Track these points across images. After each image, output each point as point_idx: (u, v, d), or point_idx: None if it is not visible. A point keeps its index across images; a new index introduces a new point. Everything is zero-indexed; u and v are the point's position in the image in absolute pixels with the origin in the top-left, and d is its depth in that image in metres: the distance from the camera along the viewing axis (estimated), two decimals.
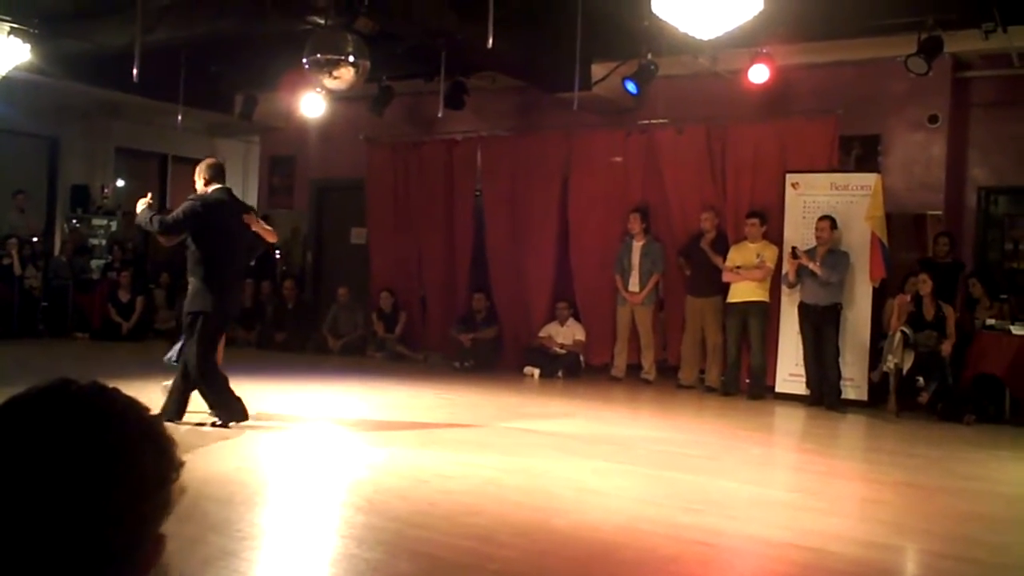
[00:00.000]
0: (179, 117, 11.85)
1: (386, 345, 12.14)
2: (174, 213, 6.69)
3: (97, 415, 0.98)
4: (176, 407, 6.65)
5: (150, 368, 9.78)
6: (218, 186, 6.84)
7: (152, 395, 7.66)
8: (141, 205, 6.78)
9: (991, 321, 8.87)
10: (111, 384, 1.05)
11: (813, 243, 9.21)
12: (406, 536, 4.34)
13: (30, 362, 10.06)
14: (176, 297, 13.57)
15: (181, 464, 1.04)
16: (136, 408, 1.03)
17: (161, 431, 1.03)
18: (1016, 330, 8.58)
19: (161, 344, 12.63)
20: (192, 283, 6.72)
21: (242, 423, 6.66)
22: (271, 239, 7.31)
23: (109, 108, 13.98)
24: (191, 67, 11.48)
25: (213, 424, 6.70)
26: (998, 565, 4.37)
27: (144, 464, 0.99)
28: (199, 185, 6.84)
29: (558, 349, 10.96)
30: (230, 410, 6.68)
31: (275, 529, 4.62)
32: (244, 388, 8.87)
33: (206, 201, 6.71)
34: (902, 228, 9.80)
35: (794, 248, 9.17)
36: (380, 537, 4.30)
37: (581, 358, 11.03)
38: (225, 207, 6.80)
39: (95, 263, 14.32)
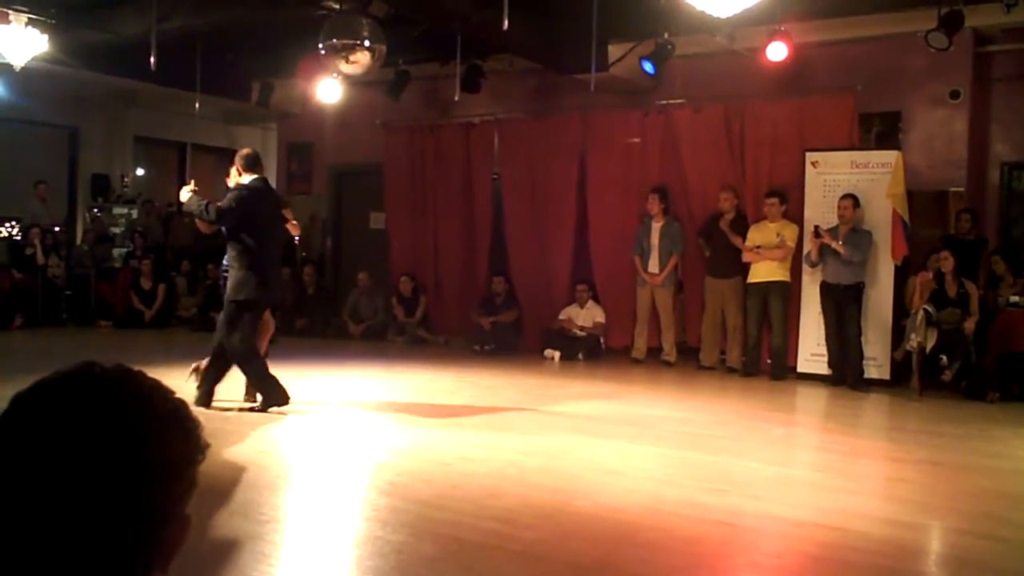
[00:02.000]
0: (196, 105, 11.88)
1: (407, 329, 12.17)
2: (227, 201, 6.71)
3: (123, 397, 0.99)
4: (206, 394, 6.77)
5: (174, 354, 9.86)
6: (255, 175, 6.90)
7: (176, 380, 7.73)
8: (186, 193, 6.83)
9: (1015, 298, 8.80)
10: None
11: (834, 222, 9.15)
12: (429, 518, 4.36)
13: (55, 350, 10.16)
14: (197, 284, 13.67)
15: (206, 446, 1.05)
16: (161, 390, 1.03)
17: (187, 413, 1.04)
18: None
19: (183, 331, 12.78)
20: (235, 271, 6.73)
21: (282, 407, 6.73)
22: (295, 232, 7.50)
23: (127, 97, 14.04)
24: (207, 55, 11.51)
25: (252, 409, 6.81)
26: (1023, 542, 4.35)
27: (170, 445, 1.00)
28: (235, 175, 6.87)
29: (578, 331, 10.95)
30: (274, 394, 6.76)
31: (299, 512, 4.65)
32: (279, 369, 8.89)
33: (252, 188, 6.79)
34: (924, 205, 9.71)
35: (816, 227, 9.11)
36: (403, 519, 4.32)
37: (601, 340, 11.02)
38: (266, 195, 6.94)
39: (117, 251, 14.44)
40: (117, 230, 14.86)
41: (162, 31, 8.95)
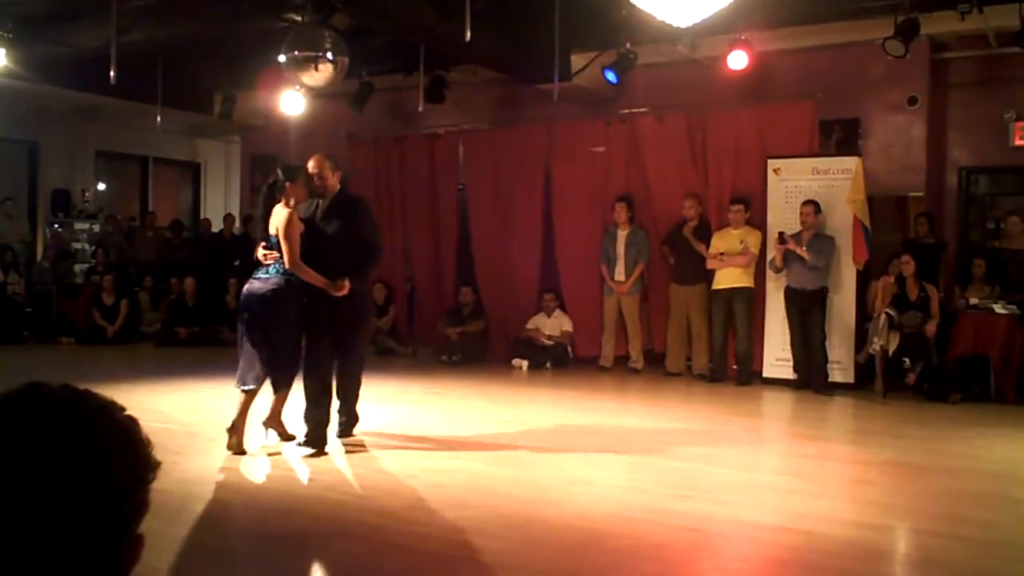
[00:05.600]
0: (158, 118, 11.78)
1: (375, 339, 12.11)
2: (373, 231, 6.19)
3: (68, 419, 0.97)
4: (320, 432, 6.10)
5: (137, 371, 9.76)
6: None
7: (139, 397, 7.63)
8: (341, 290, 5.84)
9: (975, 300, 8.92)
10: (100, 389, 1.04)
11: (796, 228, 9.24)
12: (396, 531, 4.33)
13: (15, 368, 9.99)
14: (161, 299, 13.51)
15: (157, 465, 1.03)
16: (109, 410, 1.02)
17: (135, 432, 1.03)
18: (999, 309, 8.64)
19: (147, 347, 12.64)
20: (361, 286, 6.12)
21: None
22: None
23: (87, 111, 13.89)
24: (169, 68, 11.42)
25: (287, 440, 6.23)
26: (987, 541, 4.40)
27: (117, 466, 0.98)
28: (331, 180, 6.07)
29: (546, 340, 10.96)
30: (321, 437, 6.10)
31: (264, 527, 4.60)
32: (232, 388, 8.85)
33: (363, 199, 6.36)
34: (884, 210, 9.84)
35: (781, 233, 9.18)
36: (368, 532, 4.30)
37: (569, 349, 11.04)
38: None
39: (78, 267, 14.26)
40: (79, 246, 14.68)
41: (122, 44, 8.85)
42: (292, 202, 5.89)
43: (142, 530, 1.02)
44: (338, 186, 6.15)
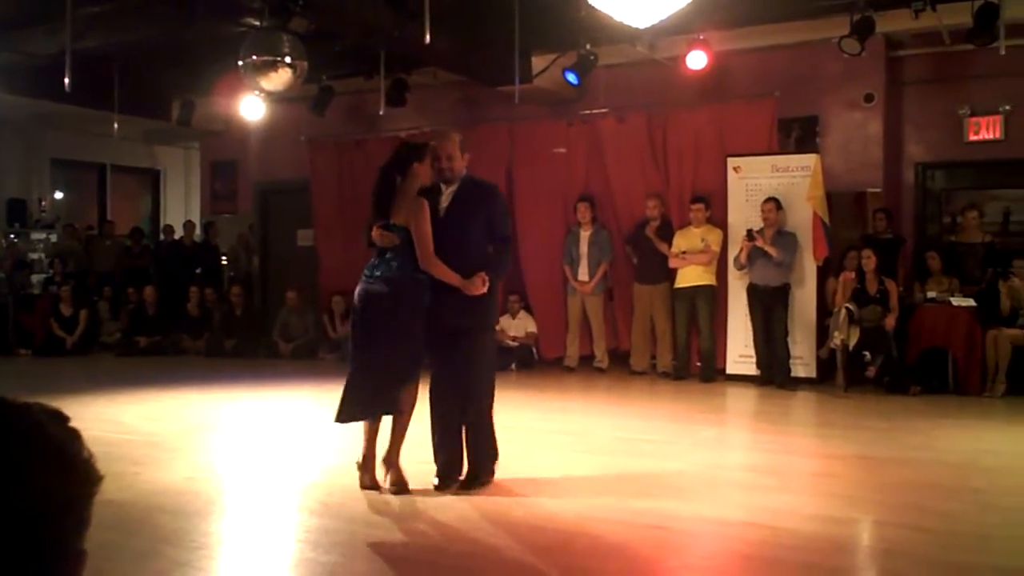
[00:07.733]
0: (115, 125, 11.64)
1: (340, 346, 12.03)
2: (503, 225, 5.42)
3: None
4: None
5: (97, 382, 9.63)
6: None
7: (98, 408, 7.53)
8: (479, 289, 5.10)
9: (932, 294, 9.05)
10: (59, 400, 1.02)
11: (757, 225, 9.31)
12: (362, 537, 4.31)
13: None
14: (120, 309, 13.34)
15: (99, 479, 1.01)
16: (42, 425, 0.99)
17: (71, 448, 1.00)
18: (956, 302, 8.77)
19: (107, 357, 12.47)
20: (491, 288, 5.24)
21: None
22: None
23: (43, 119, 13.69)
24: (125, 74, 11.30)
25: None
26: (947, 532, 4.45)
27: (47, 484, 0.96)
28: (460, 162, 5.26)
29: (510, 342, 10.96)
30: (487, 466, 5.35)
31: (230, 537, 4.56)
32: (195, 397, 8.77)
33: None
34: (843, 206, 9.96)
35: (750, 230, 9.24)
36: (336, 539, 4.27)
37: (534, 350, 11.05)
38: None
39: (35, 278, 14.05)
40: (35, 256, 14.47)
41: (77, 50, 8.73)
42: (419, 186, 5.10)
43: (103, 543, 1.00)
44: (465, 171, 5.32)
